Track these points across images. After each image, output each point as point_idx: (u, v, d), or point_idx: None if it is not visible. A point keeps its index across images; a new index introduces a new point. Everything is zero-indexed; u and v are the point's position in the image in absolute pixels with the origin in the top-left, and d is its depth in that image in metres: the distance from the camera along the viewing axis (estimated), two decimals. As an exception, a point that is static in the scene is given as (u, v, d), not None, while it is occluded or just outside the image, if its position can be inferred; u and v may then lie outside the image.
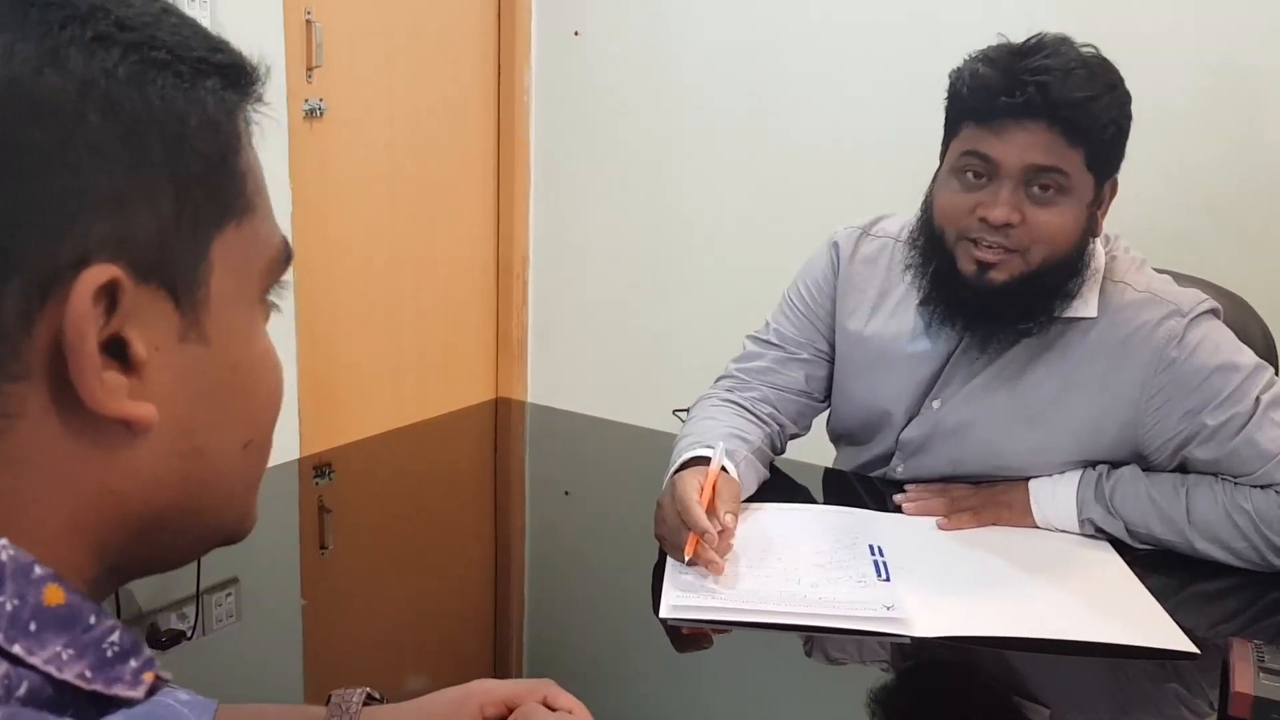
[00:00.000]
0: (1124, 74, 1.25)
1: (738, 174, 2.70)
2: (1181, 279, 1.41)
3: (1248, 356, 1.29)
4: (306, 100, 2.49)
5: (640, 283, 2.88)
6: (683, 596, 1.10)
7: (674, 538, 1.17)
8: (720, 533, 1.15)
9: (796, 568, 1.17)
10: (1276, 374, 1.32)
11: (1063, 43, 1.23)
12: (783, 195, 2.63)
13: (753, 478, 1.36)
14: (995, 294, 1.26)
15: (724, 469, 1.26)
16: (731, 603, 1.09)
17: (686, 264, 2.80)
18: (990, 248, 1.25)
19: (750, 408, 1.47)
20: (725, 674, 1.06)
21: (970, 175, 1.26)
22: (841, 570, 1.17)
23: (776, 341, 1.52)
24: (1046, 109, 1.20)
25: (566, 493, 1.56)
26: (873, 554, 1.22)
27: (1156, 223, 2.10)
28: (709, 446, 1.30)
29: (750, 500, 1.35)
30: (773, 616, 1.07)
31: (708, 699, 1.02)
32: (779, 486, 1.44)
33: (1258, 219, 2.16)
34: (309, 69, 2.46)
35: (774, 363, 1.51)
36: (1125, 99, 1.25)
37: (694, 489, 1.18)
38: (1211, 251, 2.15)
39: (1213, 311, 1.32)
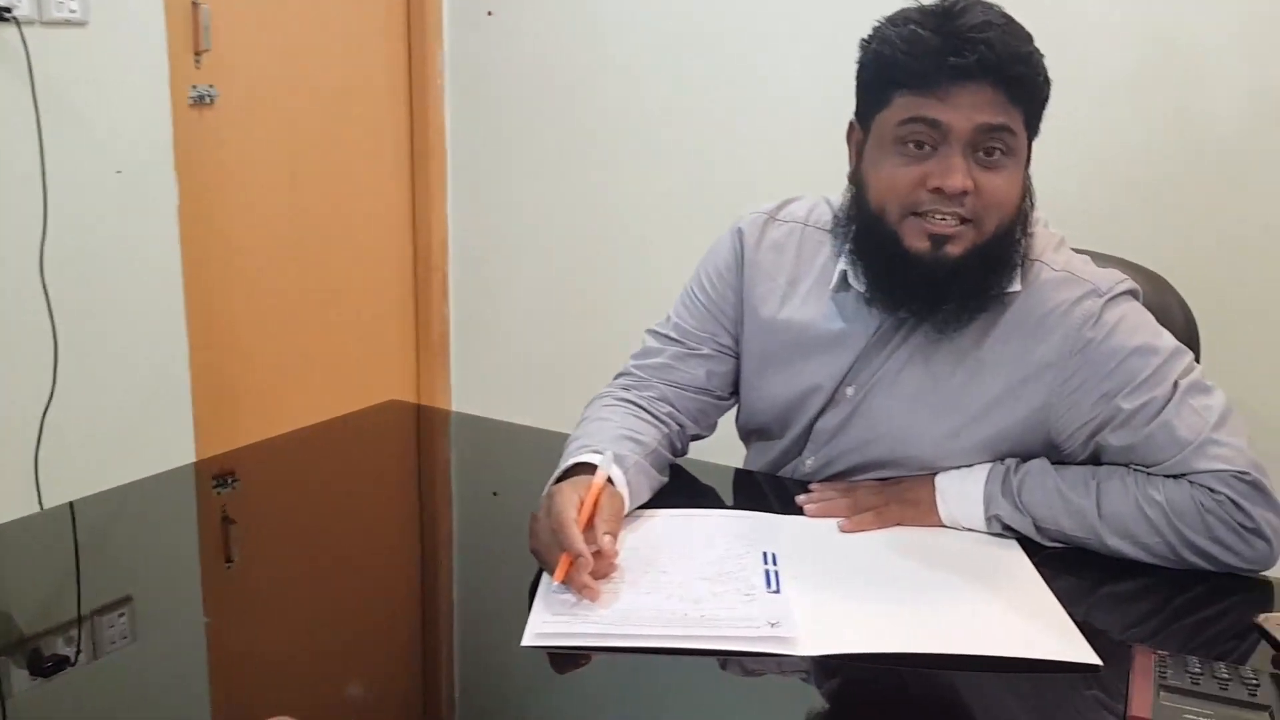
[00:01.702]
0: (1052, 51, 1.21)
1: (668, 158, 2.61)
2: (1101, 258, 1.36)
3: (1167, 339, 1.23)
4: (194, 87, 2.38)
5: (568, 271, 2.79)
6: (551, 621, 1.02)
7: (546, 556, 1.09)
8: (596, 554, 1.06)
9: (682, 582, 1.09)
10: (1196, 357, 1.27)
11: (984, 1, 1.18)
12: (717, 181, 2.55)
13: (645, 485, 1.28)
14: (952, 271, 1.19)
15: (610, 480, 1.18)
16: (603, 626, 1.01)
17: (616, 252, 2.72)
18: (944, 219, 1.18)
19: (647, 407, 1.38)
20: (599, 700, 0.97)
21: (913, 145, 1.19)
22: (729, 583, 1.09)
23: (676, 336, 1.43)
24: (995, 67, 1.14)
25: (495, 493, 1.49)
26: (765, 562, 1.14)
27: (1080, 200, 2.05)
28: (597, 452, 1.22)
29: (645, 507, 1.27)
30: (646, 640, 0.99)
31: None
32: (680, 490, 1.36)
33: (1180, 198, 2.11)
34: (196, 53, 2.34)
35: (673, 359, 1.42)
36: (1043, 55, 1.21)
37: (572, 504, 1.10)
38: (1134, 230, 2.10)
39: (1131, 292, 1.26)
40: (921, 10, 1.20)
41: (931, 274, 1.19)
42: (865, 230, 1.25)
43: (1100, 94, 2.10)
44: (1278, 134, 2.01)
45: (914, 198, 1.19)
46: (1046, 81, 1.20)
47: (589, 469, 1.19)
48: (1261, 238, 2.06)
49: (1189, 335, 1.47)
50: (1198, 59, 2.06)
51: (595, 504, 1.12)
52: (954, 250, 1.18)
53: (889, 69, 1.19)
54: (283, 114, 2.59)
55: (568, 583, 1.05)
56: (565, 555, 1.05)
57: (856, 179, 1.27)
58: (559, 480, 1.19)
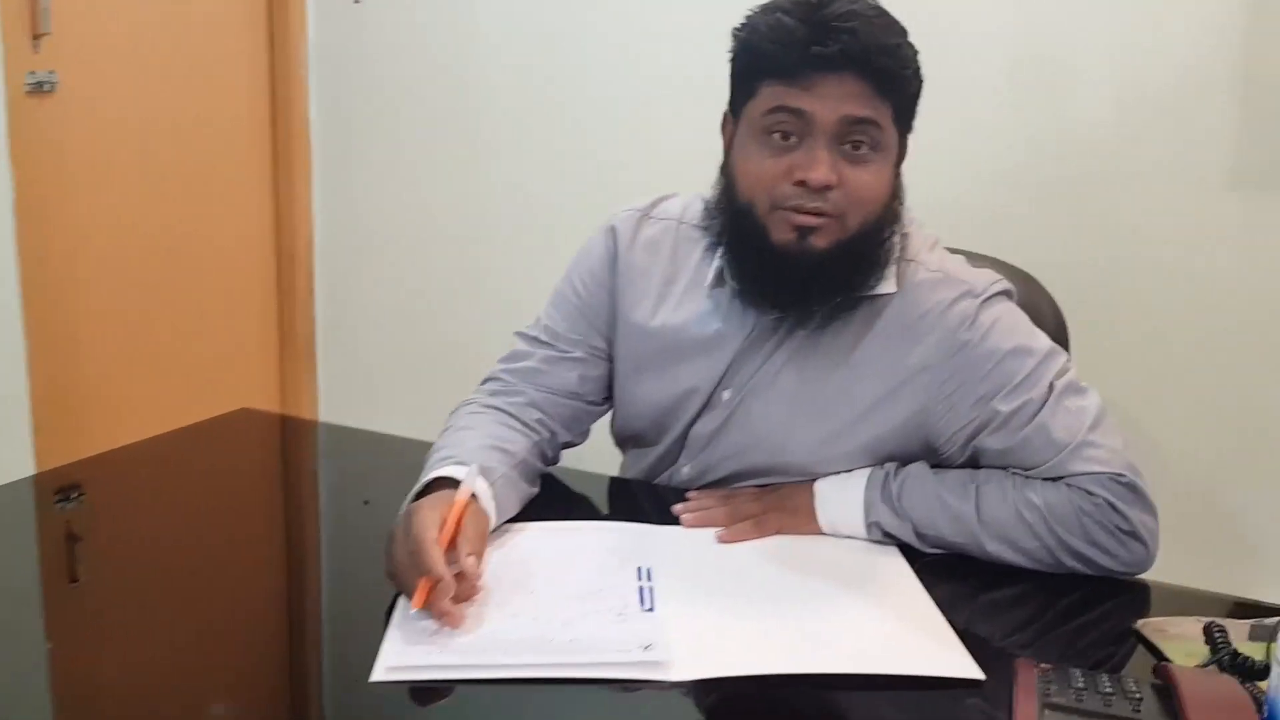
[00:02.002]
0: (926, 49, 1.19)
1: (542, 154, 2.54)
2: (974, 259, 1.34)
3: (1042, 340, 1.22)
4: (32, 73, 2.21)
5: (440, 269, 2.69)
6: (406, 652, 0.94)
7: (404, 580, 1.01)
8: (458, 576, 0.99)
9: (552, 603, 1.03)
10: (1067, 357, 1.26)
11: None
12: (591, 178, 2.49)
13: (513, 498, 1.21)
14: (815, 265, 1.17)
15: (475, 495, 1.11)
16: (464, 656, 0.93)
17: (489, 249, 2.63)
18: (809, 213, 1.15)
19: (515, 414, 1.32)
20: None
21: (779, 136, 1.16)
22: (600, 601, 1.03)
23: (546, 339, 1.37)
24: (860, 58, 1.11)
25: (366, 502, 1.40)
26: (639, 579, 1.08)
27: (952, 201, 2.04)
28: (460, 464, 1.15)
29: (514, 520, 1.20)
30: (510, 670, 0.92)
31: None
32: (551, 501, 1.30)
33: (1049, 199, 2.13)
34: (35, 37, 2.18)
35: (543, 363, 1.36)
36: (917, 51, 1.19)
37: (432, 522, 1.02)
38: (1005, 230, 2.11)
39: (1006, 293, 1.25)
40: (792, 0, 1.16)
41: (796, 268, 1.17)
42: (734, 223, 1.22)
43: (971, 95, 2.10)
44: (1144, 135, 2.04)
45: (779, 190, 1.16)
46: (917, 76, 1.18)
47: (452, 483, 1.12)
48: (1131, 239, 2.09)
49: (1059, 335, 1.47)
50: (1067, 61, 2.08)
51: (458, 522, 1.05)
52: (818, 243, 1.16)
53: (755, 58, 1.17)
54: (131, 103, 2.43)
55: (427, 609, 0.97)
56: (424, 579, 0.98)
57: (726, 171, 1.24)
58: (418, 496, 1.11)
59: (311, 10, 2.70)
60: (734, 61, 1.21)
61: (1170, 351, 2.08)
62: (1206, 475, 2.06)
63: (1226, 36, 1.95)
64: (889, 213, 1.20)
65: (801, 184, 1.14)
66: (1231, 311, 2.03)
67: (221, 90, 2.61)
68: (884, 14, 1.16)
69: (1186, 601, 1.17)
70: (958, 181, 2.08)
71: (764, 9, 1.18)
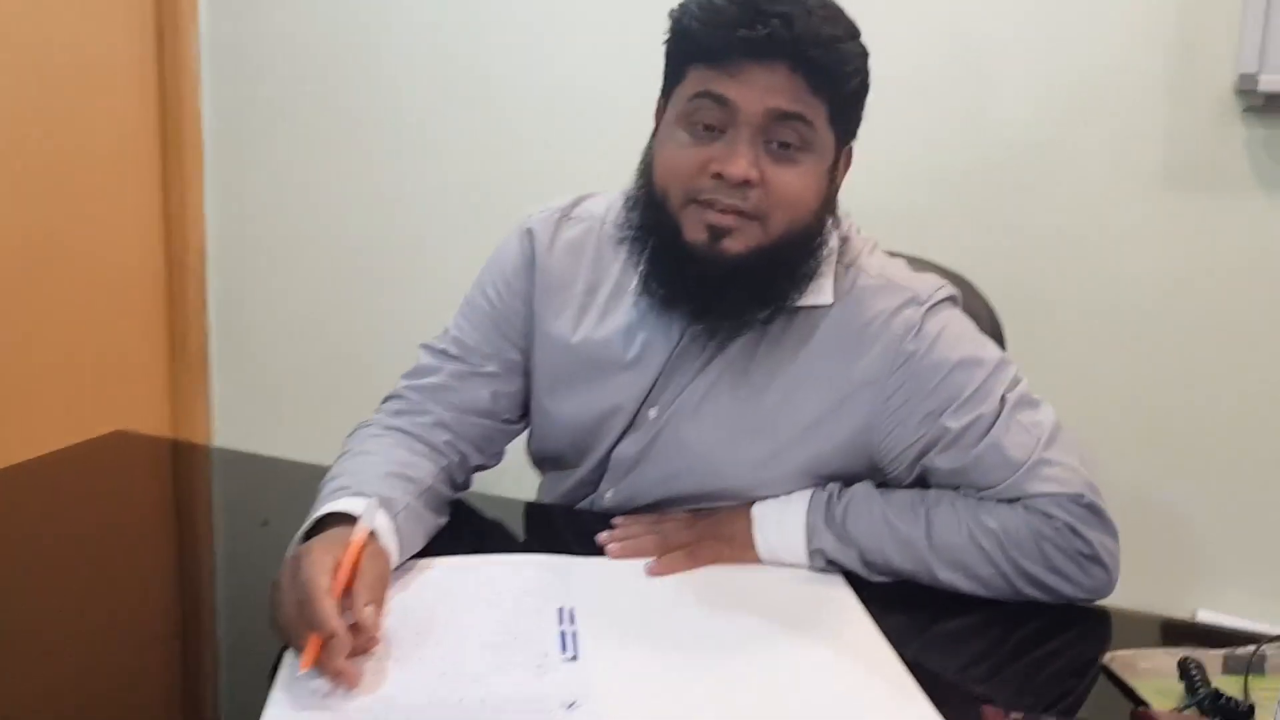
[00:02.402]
0: None
1: (453, 150, 2.40)
2: (915, 263, 1.25)
3: (991, 350, 1.13)
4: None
5: (344, 277, 2.54)
6: (291, 716, 0.81)
7: (291, 635, 0.88)
8: (353, 629, 0.87)
9: (461, 655, 0.91)
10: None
11: None
12: (506, 176, 2.36)
13: (418, 531, 1.09)
14: (729, 270, 1.06)
15: (374, 533, 0.98)
16: (359, 723, 0.81)
17: (398, 254, 2.49)
18: (725, 211, 1.05)
19: (421, 435, 1.19)
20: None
21: (701, 126, 1.06)
22: (517, 651, 0.92)
23: (456, 353, 1.25)
24: (791, 46, 1.02)
25: (265, 523, 1.26)
26: (561, 621, 0.97)
27: (883, 201, 1.96)
28: (359, 495, 1.02)
29: (419, 556, 1.08)
30: (413, 739, 0.80)
31: None
32: (461, 531, 1.18)
33: (983, 198, 2.06)
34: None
35: (452, 378, 1.23)
36: (866, 54, 1.09)
37: (324, 568, 0.90)
38: (935, 231, 2.05)
39: (951, 299, 1.16)
40: None
41: (707, 272, 1.07)
42: (649, 215, 1.11)
43: (895, 93, 2.02)
44: (1074, 134, 1.99)
45: (696, 183, 1.06)
46: (856, 75, 1.08)
47: (347, 519, 0.99)
48: (1057, 240, 2.04)
49: (994, 337, 1.39)
50: (995, 59, 2.02)
51: (354, 566, 0.92)
52: (732, 246, 1.06)
53: (684, 39, 1.08)
54: (1, 99, 2.24)
55: (318, 667, 0.85)
56: (314, 635, 0.85)
57: (646, 159, 1.14)
58: (309, 535, 0.98)
59: (203, -1, 2.54)
60: (667, 44, 1.11)
61: (1102, 354, 2.04)
62: (1142, 481, 2.02)
63: (1157, 34, 1.91)
64: (817, 220, 1.10)
65: (719, 177, 1.05)
66: (1165, 312, 2.00)
67: (103, 84, 2.42)
68: (829, 5, 1.06)
69: (1149, 629, 1.10)
70: (882, 183, 2.01)
71: None
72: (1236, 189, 1.93)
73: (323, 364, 2.58)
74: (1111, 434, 2.02)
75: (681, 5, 1.09)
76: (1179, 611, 2.03)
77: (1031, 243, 2.06)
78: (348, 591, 0.90)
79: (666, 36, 1.11)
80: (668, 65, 1.12)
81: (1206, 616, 1.99)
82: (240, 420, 2.67)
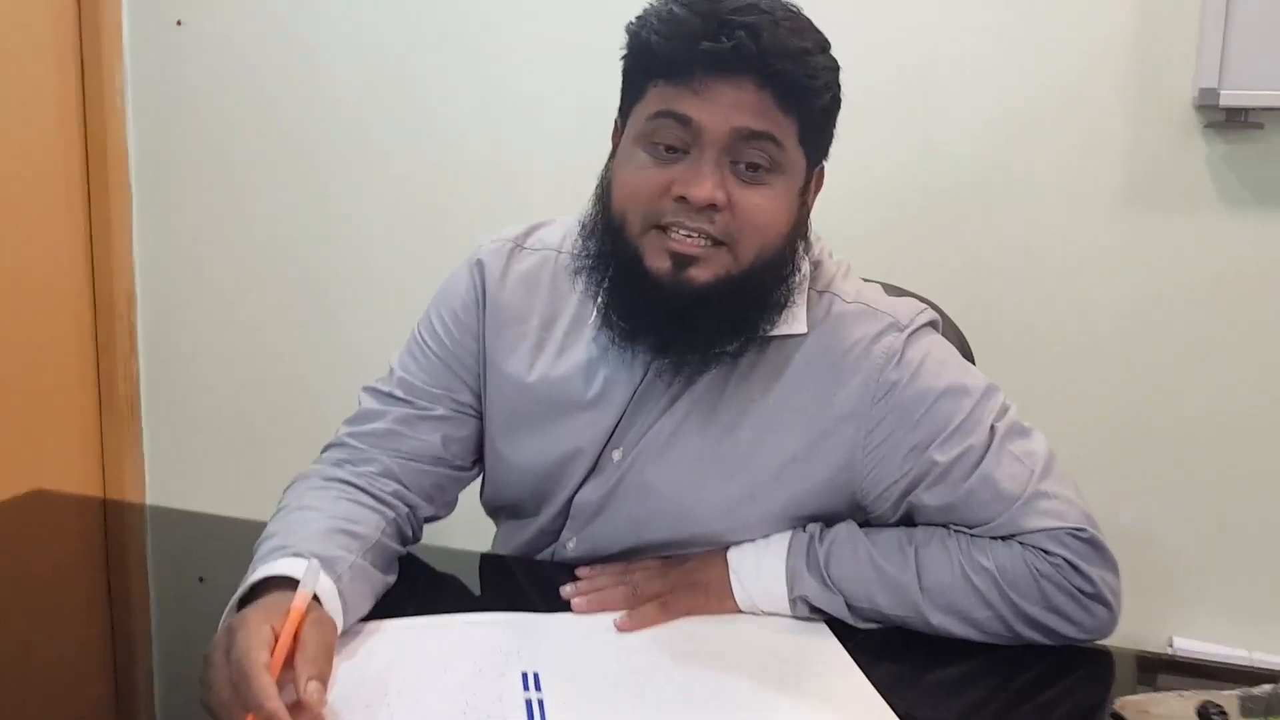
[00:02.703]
0: None
1: (394, 182, 2.31)
2: (886, 288, 1.18)
3: (976, 376, 1.07)
4: None
5: (281, 319, 2.42)
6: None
7: (226, 716, 0.78)
8: (295, 708, 0.77)
9: (416, 730, 0.82)
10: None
11: None
12: (454, 208, 2.27)
13: (365, 593, 0.99)
14: (696, 300, 0.99)
15: (317, 598, 0.89)
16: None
17: (338, 294, 2.38)
18: (690, 236, 0.97)
19: (367, 487, 1.10)
20: None
21: (663, 146, 0.99)
22: (479, 725, 0.82)
23: (402, 395, 1.16)
24: (758, 60, 0.95)
25: (201, 579, 1.19)
26: (525, 688, 0.88)
27: (844, 226, 1.91)
28: (298, 556, 0.92)
29: (367, 619, 0.99)
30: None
31: None
32: (412, 589, 1.09)
33: (945, 220, 2.02)
34: None
35: (399, 423, 1.14)
36: (837, 68, 1.02)
37: (261, 641, 0.80)
38: (900, 255, 2.01)
39: (932, 324, 1.10)
40: None
41: (670, 301, 0.99)
42: (607, 241, 1.04)
43: (853, 116, 1.97)
44: (1029, 154, 1.96)
45: (657, 206, 0.99)
46: (827, 90, 1.00)
47: (287, 582, 0.89)
48: (1021, 260, 2.00)
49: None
50: (953, 79, 1.98)
51: (295, 637, 0.83)
52: (699, 275, 0.98)
53: (644, 54, 1.00)
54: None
55: (252, 755, 0.75)
56: (251, 717, 0.75)
57: (604, 182, 1.06)
58: (244, 602, 0.89)
59: (128, 33, 2.41)
60: (625, 60, 1.04)
61: (1068, 375, 2.00)
62: (1110, 505, 1.96)
63: (1115, 51, 1.89)
64: (789, 245, 1.03)
65: (682, 201, 0.97)
66: (1130, 331, 1.97)
67: (24, 121, 2.29)
68: (797, 17, 1.00)
69: (1154, 668, 1.03)
70: (842, 208, 1.95)
71: (661, 1, 1.01)
72: (1199, 205, 1.90)
73: (261, 412, 2.46)
74: (1078, 456, 1.97)
75: (640, 17, 1.02)
76: (1154, 639, 1.99)
77: (996, 264, 2.01)
78: (288, 665, 0.81)
79: (624, 51, 1.04)
80: (625, 81, 1.05)
81: (1183, 644, 1.95)
82: (174, 473, 2.54)
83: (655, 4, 1.02)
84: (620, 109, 1.06)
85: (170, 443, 2.54)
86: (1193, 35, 1.81)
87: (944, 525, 1.04)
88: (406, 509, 1.12)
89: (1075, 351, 1.99)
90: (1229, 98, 1.75)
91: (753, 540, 1.06)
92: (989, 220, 2.00)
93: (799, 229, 1.05)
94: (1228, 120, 1.82)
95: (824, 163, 1.08)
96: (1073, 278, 1.98)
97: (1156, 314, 1.95)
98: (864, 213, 2.02)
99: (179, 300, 2.49)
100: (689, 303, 0.99)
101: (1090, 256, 1.97)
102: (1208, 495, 1.96)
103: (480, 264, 1.17)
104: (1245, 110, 1.79)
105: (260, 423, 2.46)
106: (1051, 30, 1.92)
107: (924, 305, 1.10)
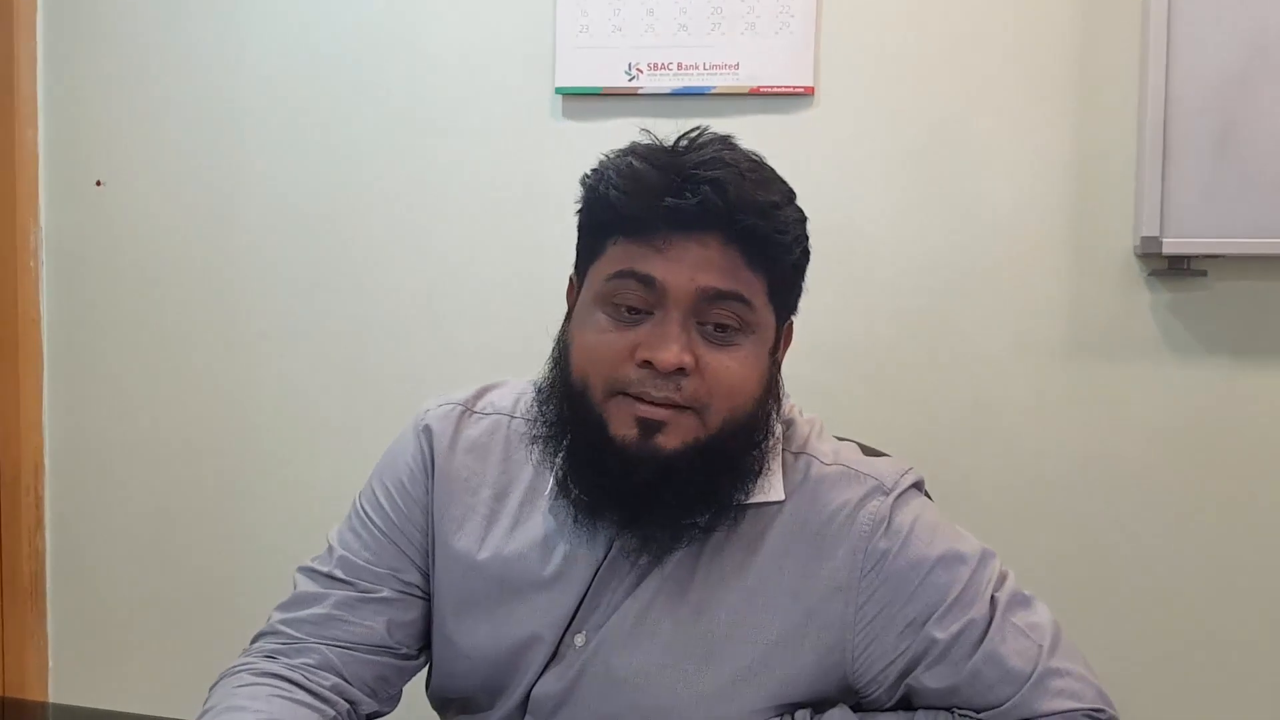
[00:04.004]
0: None
1: (323, 344, 2.22)
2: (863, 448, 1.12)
3: (969, 541, 1.00)
4: None
5: (204, 493, 2.28)
6: None
7: None
8: None
9: None
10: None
11: (728, 140, 0.96)
12: (384, 370, 2.19)
13: (301, 811, 0.86)
14: (664, 470, 0.91)
15: None
16: None
17: (263, 463, 2.26)
18: (656, 403, 0.91)
19: (303, 683, 0.99)
20: None
21: (624, 308, 0.93)
22: None
23: (344, 575, 1.05)
24: (725, 216, 0.90)
25: None
26: None
27: (790, 382, 1.88)
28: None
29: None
30: None
31: None
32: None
33: (889, 373, 2.01)
34: None
35: (340, 607, 1.04)
36: (804, 219, 0.98)
37: None
38: (845, 408, 1.99)
39: (917, 485, 1.03)
40: (651, 145, 0.96)
41: (637, 472, 0.92)
42: (567, 409, 0.97)
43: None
44: (971, 307, 1.95)
45: (621, 372, 0.92)
46: (797, 244, 0.96)
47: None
48: (968, 413, 1.97)
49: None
50: (883, 230, 1.99)
51: None
52: (667, 442, 0.92)
53: (603, 209, 0.95)
54: None
55: None
56: None
57: (562, 343, 1.00)
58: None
59: (44, 193, 2.33)
60: (580, 213, 0.98)
61: (1014, 529, 1.98)
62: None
63: (1055, 204, 1.91)
64: (761, 409, 0.97)
65: (648, 366, 0.91)
66: (1076, 485, 1.95)
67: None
68: (761, 167, 0.96)
69: None
70: (787, 360, 1.92)
71: (621, 152, 0.96)
72: (1146, 354, 1.91)
73: (179, 596, 2.29)
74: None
75: (597, 171, 0.98)
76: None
77: (940, 417, 1.99)
78: None
79: (579, 206, 0.99)
80: (583, 238, 1.00)
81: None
82: (79, 660, 2.34)
83: (612, 157, 0.97)
84: (576, 266, 1.01)
85: (78, 630, 2.35)
86: (1131, 184, 1.84)
87: (947, 709, 0.95)
88: (347, 705, 1.01)
89: (1021, 506, 1.97)
90: (1171, 245, 1.76)
91: (737, 732, 0.96)
92: (934, 374, 1.99)
93: (771, 390, 0.99)
94: (1170, 268, 1.83)
95: (793, 318, 1.03)
96: (1019, 432, 1.97)
97: (1106, 463, 1.94)
98: (811, 367, 1.99)
99: (91, 473, 2.34)
100: (656, 473, 0.92)
101: (1035, 409, 1.96)
102: (1157, 654, 1.92)
103: (428, 430, 1.09)
104: (1188, 258, 1.81)
105: (179, 608, 2.29)
106: (990, 180, 1.94)
107: (908, 465, 1.04)
